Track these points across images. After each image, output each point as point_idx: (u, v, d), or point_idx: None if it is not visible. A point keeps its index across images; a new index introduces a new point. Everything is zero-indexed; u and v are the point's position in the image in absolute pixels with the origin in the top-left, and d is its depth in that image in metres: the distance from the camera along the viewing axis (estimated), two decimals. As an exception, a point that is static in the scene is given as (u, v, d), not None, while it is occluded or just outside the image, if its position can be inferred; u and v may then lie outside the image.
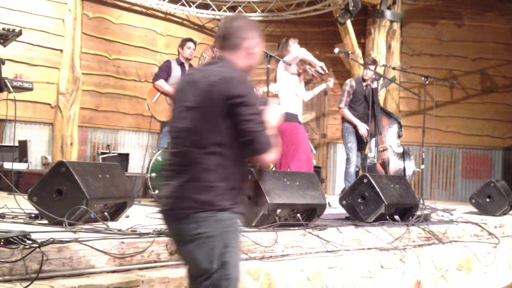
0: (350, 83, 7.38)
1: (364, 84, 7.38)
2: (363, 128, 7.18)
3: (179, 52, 7.02)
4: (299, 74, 6.20)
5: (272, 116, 2.51)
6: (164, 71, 6.88)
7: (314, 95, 6.62)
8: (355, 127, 7.27)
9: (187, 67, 6.93)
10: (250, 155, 2.44)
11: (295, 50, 5.92)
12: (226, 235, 2.38)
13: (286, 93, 6.05)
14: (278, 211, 4.32)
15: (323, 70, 5.94)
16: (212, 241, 2.35)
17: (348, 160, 7.30)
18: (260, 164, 2.51)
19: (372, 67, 7.28)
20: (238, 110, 2.36)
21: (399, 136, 7.69)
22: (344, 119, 7.43)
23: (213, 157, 2.38)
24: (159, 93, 6.77)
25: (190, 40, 7.07)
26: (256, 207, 4.05)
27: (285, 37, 6.30)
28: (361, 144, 7.34)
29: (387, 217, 5.09)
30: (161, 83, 6.77)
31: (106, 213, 4.07)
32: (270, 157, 2.43)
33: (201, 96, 2.40)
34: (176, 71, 6.86)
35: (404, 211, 5.41)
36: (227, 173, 2.40)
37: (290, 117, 6.00)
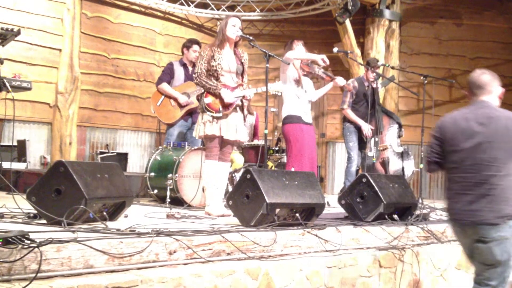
0: (352, 83, 7.32)
1: (366, 84, 7.37)
2: (367, 129, 7.17)
3: (183, 53, 6.95)
4: (305, 75, 6.17)
5: None
6: (167, 74, 6.84)
7: (321, 95, 6.53)
8: (357, 127, 7.27)
9: (190, 68, 6.88)
10: None
11: (291, 53, 5.91)
12: None
13: (286, 94, 6.03)
14: (277, 210, 4.32)
15: (324, 62, 5.91)
16: (508, 241, 3.35)
17: (349, 159, 7.30)
18: None
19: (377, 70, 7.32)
20: None
21: (399, 136, 7.70)
22: (345, 119, 7.41)
23: (510, 178, 3.35)
24: (163, 97, 6.73)
25: (197, 43, 6.95)
26: None
27: (290, 39, 6.27)
28: (362, 143, 7.34)
29: (386, 216, 5.09)
30: (164, 86, 6.73)
31: (105, 213, 4.06)
32: None
33: (497, 134, 3.36)
34: (179, 73, 6.82)
35: (403, 211, 5.41)
36: None
37: (292, 119, 6.00)
